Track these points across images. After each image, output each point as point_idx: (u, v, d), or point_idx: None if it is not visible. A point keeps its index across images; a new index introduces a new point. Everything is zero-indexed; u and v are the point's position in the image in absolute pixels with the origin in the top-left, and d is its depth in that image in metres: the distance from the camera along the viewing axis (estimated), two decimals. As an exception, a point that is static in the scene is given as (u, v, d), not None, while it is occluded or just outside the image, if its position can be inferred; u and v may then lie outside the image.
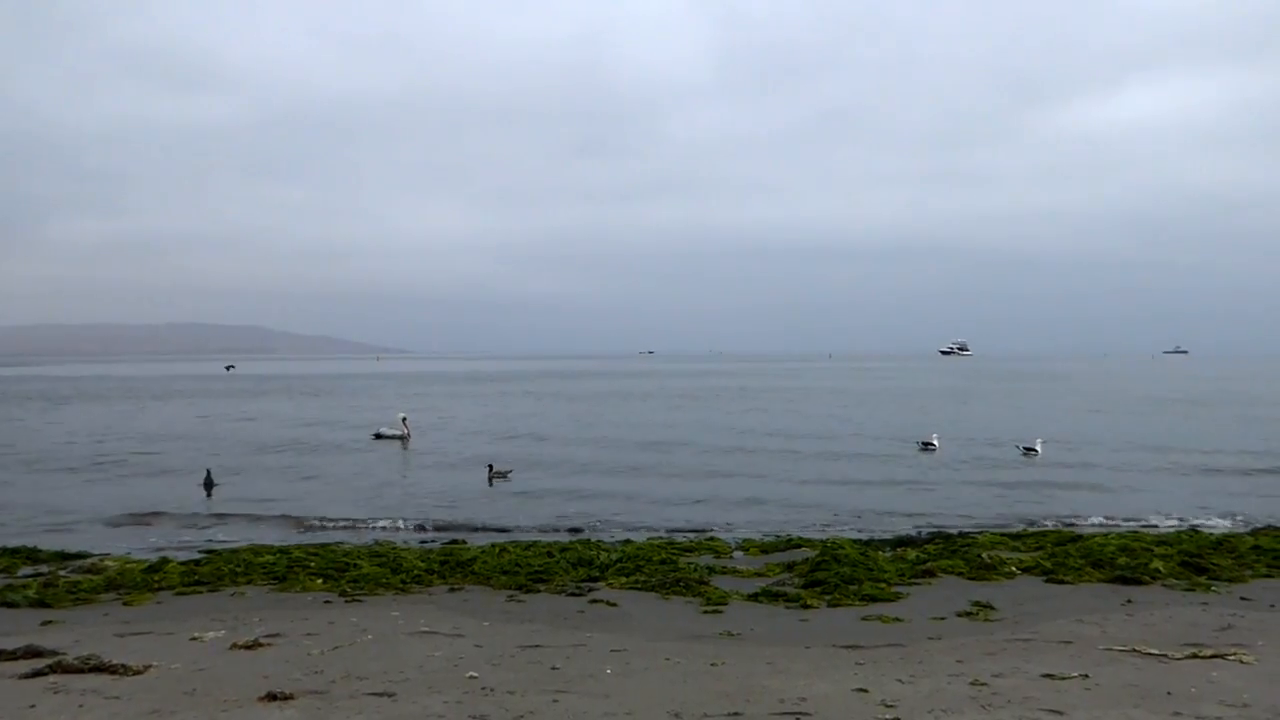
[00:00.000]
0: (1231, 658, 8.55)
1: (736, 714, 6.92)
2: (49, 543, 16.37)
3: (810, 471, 27.32)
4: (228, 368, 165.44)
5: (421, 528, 18.85)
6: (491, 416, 49.44)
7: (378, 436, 36.27)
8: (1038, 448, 30.53)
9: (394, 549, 15.26)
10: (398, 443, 34.96)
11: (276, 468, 28.51)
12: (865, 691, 7.49)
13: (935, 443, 31.94)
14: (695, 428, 41.19)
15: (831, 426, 42.00)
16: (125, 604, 11.90)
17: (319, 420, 47.12)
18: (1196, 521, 18.85)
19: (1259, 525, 18.00)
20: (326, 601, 11.85)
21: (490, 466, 26.33)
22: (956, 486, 24.31)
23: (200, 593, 12.49)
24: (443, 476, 26.44)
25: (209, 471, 24.65)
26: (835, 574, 12.78)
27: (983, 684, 7.70)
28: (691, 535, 17.50)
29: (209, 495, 23.05)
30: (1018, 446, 31.28)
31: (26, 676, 7.97)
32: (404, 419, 36.74)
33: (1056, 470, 27.45)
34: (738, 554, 15.51)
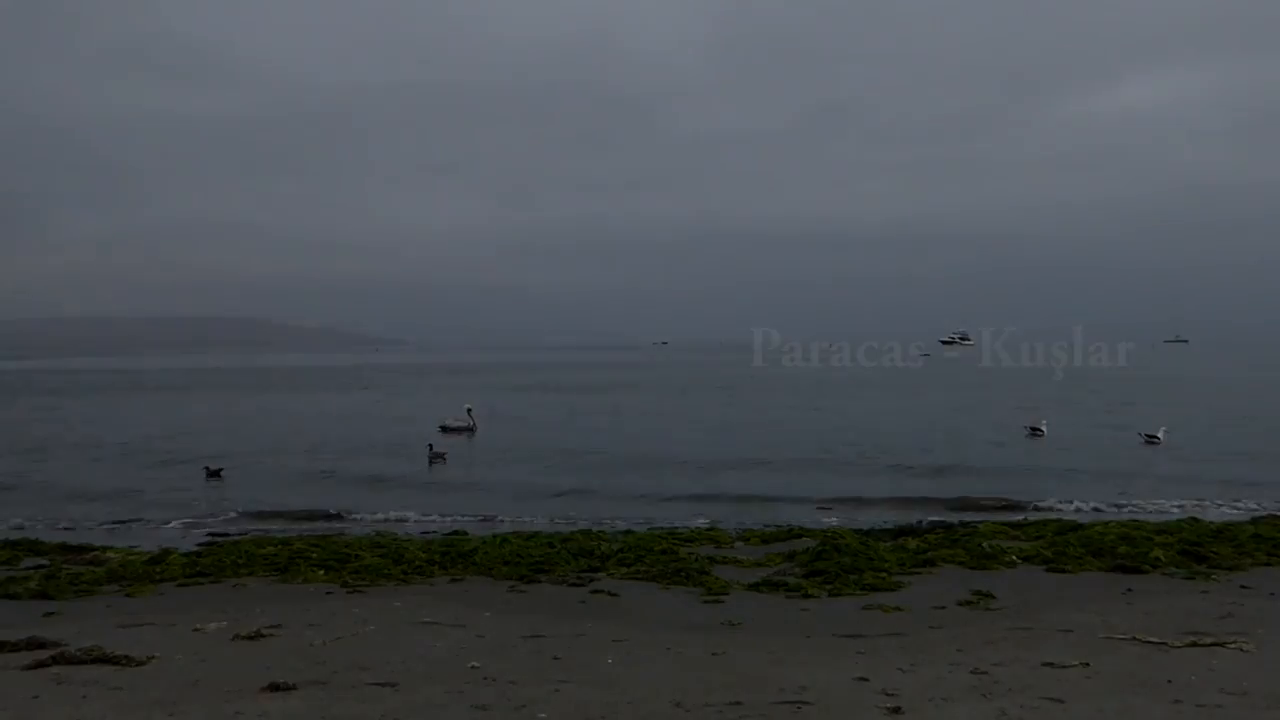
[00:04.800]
0: (1232, 645, 8.56)
1: (737, 703, 6.94)
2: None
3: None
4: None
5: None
6: (534, 409, 48.53)
7: (444, 429, 35.35)
8: (1160, 436, 28.94)
9: (396, 540, 15.29)
10: (464, 435, 34.31)
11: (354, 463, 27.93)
12: (866, 680, 7.50)
13: (1043, 428, 31.38)
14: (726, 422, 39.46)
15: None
16: (127, 595, 11.94)
17: (383, 415, 45.71)
18: None
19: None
20: (328, 593, 11.88)
21: (430, 447, 28.02)
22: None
23: (202, 584, 12.53)
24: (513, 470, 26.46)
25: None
26: (836, 563, 12.81)
27: (983, 672, 7.72)
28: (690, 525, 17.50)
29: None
30: (1140, 434, 29.82)
31: (29, 668, 7.99)
32: (469, 410, 36.09)
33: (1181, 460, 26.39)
34: (739, 544, 15.52)
